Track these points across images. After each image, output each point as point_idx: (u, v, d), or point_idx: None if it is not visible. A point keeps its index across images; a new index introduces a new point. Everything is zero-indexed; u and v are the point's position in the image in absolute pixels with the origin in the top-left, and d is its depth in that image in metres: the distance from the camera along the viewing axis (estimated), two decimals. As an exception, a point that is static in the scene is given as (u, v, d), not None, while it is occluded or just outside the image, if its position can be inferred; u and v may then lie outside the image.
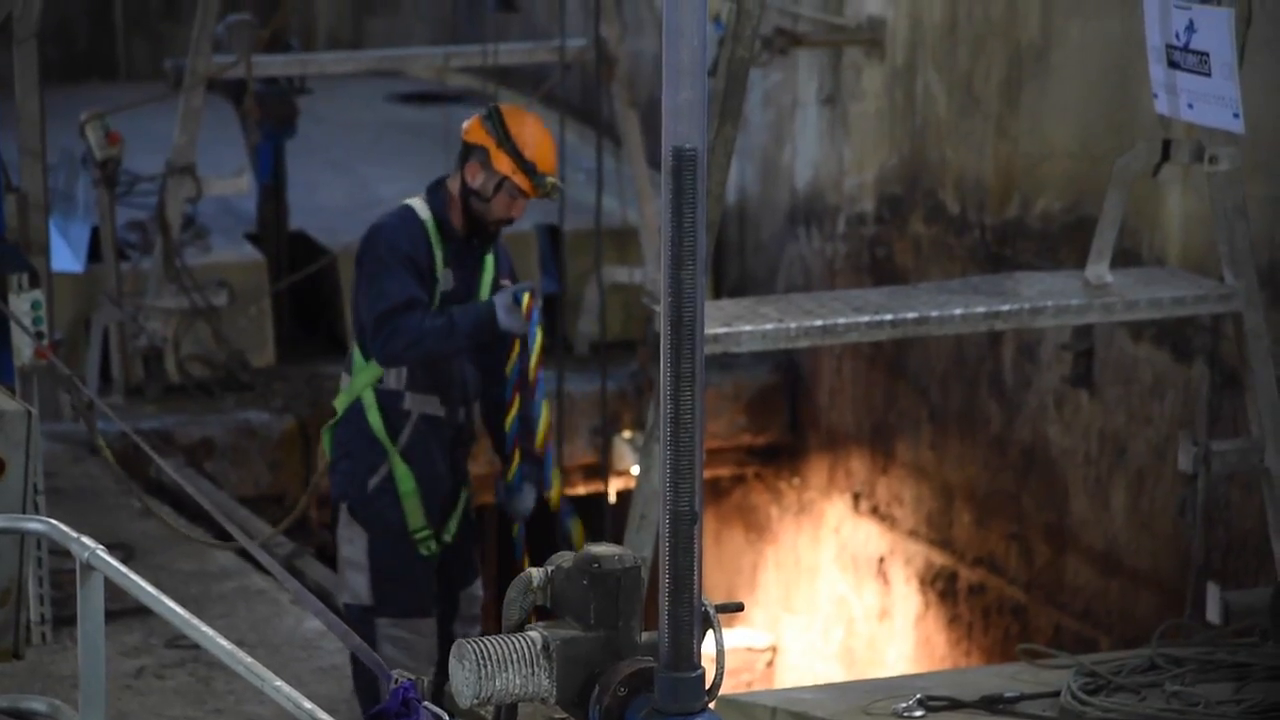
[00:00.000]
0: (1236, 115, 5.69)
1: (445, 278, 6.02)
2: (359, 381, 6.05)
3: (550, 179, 6.02)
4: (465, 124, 6.08)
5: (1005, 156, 8.71)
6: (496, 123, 5.99)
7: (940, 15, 9.00)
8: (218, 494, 8.42)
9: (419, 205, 6.05)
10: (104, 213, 9.08)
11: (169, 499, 8.11)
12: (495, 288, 6.14)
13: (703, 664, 2.89)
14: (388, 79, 13.04)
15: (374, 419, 6.01)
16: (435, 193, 6.07)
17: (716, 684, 2.89)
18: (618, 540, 5.24)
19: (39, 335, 6.40)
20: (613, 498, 9.81)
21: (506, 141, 5.96)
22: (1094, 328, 7.63)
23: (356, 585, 6.08)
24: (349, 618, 6.11)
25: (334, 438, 6.12)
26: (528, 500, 6.25)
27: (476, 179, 5.99)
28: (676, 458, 2.83)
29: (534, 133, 6.02)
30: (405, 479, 6.00)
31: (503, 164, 5.96)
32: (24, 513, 5.02)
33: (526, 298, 5.96)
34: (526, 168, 5.97)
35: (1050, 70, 8.38)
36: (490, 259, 6.17)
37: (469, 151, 6.02)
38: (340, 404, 6.10)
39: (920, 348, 9.23)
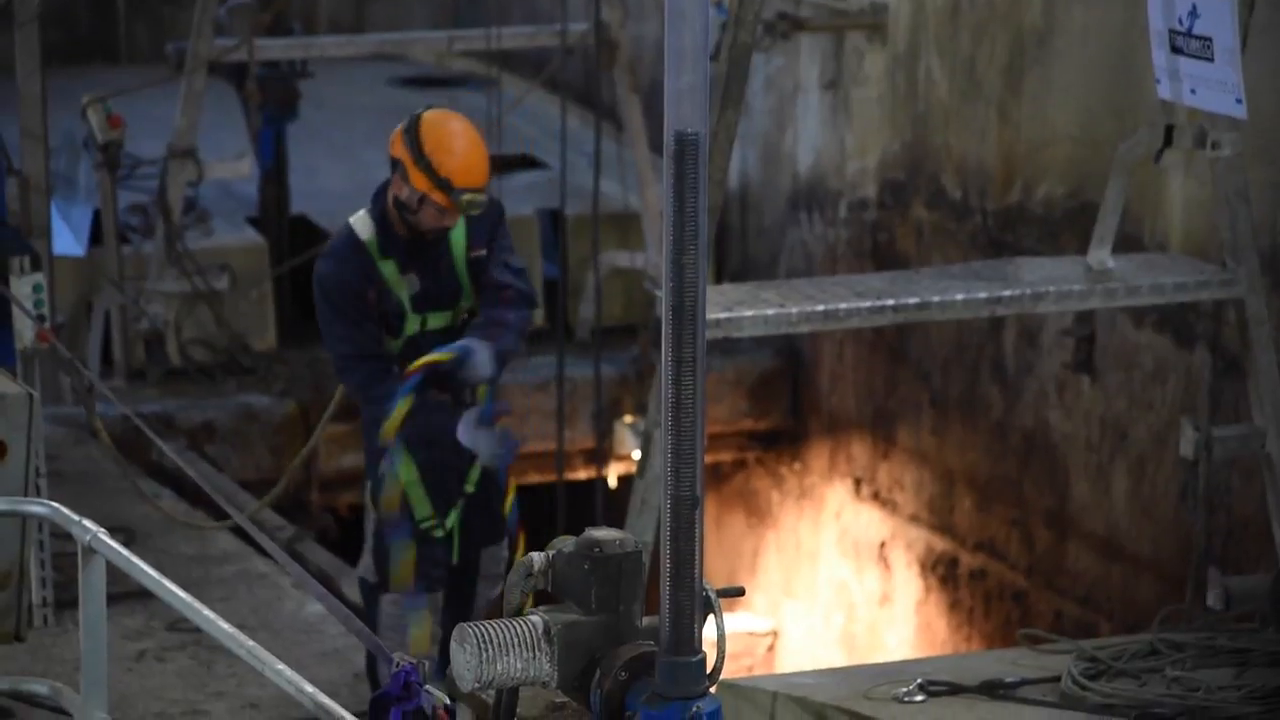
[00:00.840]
0: (1239, 100, 5.68)
1: (409, 283, 5.90)
2: None
3: (467, 196, 5.80)
4: (391, 136, 5.90)
5: (1007, 141, 8.70)
6: (413, 137, 5.82)
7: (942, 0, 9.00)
8: (219, 477, 8.43)
9: (362, 223, 5.94)
10: (105, 196, 9.08)
11: (170, 483, 8.12)
12: (469, 260, 5.97)
13: (704, 649, 2.89)
14: (390, 63, 13.03)
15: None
16: (376, 203, 5.95)
17: (717, 669, 2.89)
18: (618, 525, 5.24)
19: (40, 318, 6.40)
20: (613, 483, 9.82)
21: (421, 159, 5.79)
22: (1095, 313, 7.64)
23: (367, 560, 6.10)
24: (360, 592, 6.15)
25: (362, 415, 6.16)
26: (482, 363, 5.85)
27: (402, 191, 5.86)
28: (678, 442, 2.84)
29: (454, 146, 5.82)
30: (407, 469, 5.94)
31: (419, 181, 5.81)
32: (26, 496, 5.03)
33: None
34: (442, 184, 5.79)
35: (1053, 55, 8.37)
36: (458, 234, 5.98)
37: (393, 164, 5.89)
38: None
39: (922, 333, 9.23)
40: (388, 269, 5.90)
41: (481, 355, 5.82)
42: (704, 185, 2.82)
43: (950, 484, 9.16)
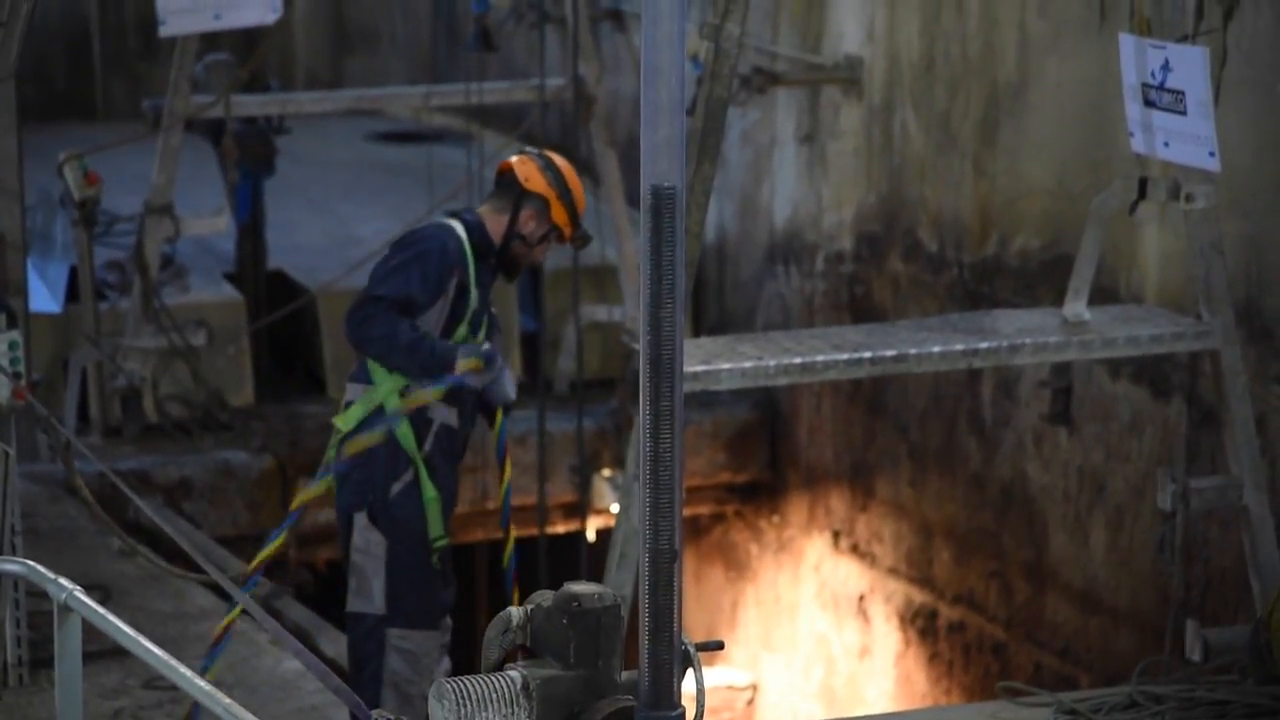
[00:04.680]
0: (1212, 153, 5.72)
1: (476, 297, 6.15)
2: (382, 390, 6.10)
3: (588, 232, 6.34)
4: (522, 171, 6.19)
5: (983, 194, 8.74)
6: (556, 174, 6.19)
7: (918, 54, 9.04)
8: (196, 534, 8.39)
9: (456, 224, 6.18)
10: (82, 253, 9.06)
11: (147, 540, 8.08)
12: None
13: (683, 703, 2.88)
14: (367, 118, 13.06)
15: (401, 427, 6.03)
16: (470, 219, 6.21)
17: (697, 723, 2.88)
18: (597, 579, 5.23)
19: (17, 376, 6.38)
20: (592, 536, 9.80)
21: (566, 195, 6.19)
22: (1072, 365, 7.65)
23: (372, 592, 6.08)
24: (355, 627, 6.12)
25: (343, 450, 6.12)
26: (507, 386, 6.21)
27: (528, 225, 6.19)
28: (656, 495, 2.84)
29: (579, 184, 6.25)
30: (428, 486, 6.07)
31: (560, 216, 6.20)
32: (1, 553, 5.01)
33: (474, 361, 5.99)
34: (576, 221, 6.22)
35: (1027, 109, 8.41)
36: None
37: (526, 198, 6.17)
38: (352, 417, 6.12)
39: (899, 385, 9.24)
40: (472, 273, 6.14)
41: (508, 376, 6.19)
42: (681, 239, 2.83)
43: (929, 536, 9.16)
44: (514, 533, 6.35)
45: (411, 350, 6.00)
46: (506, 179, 6.22)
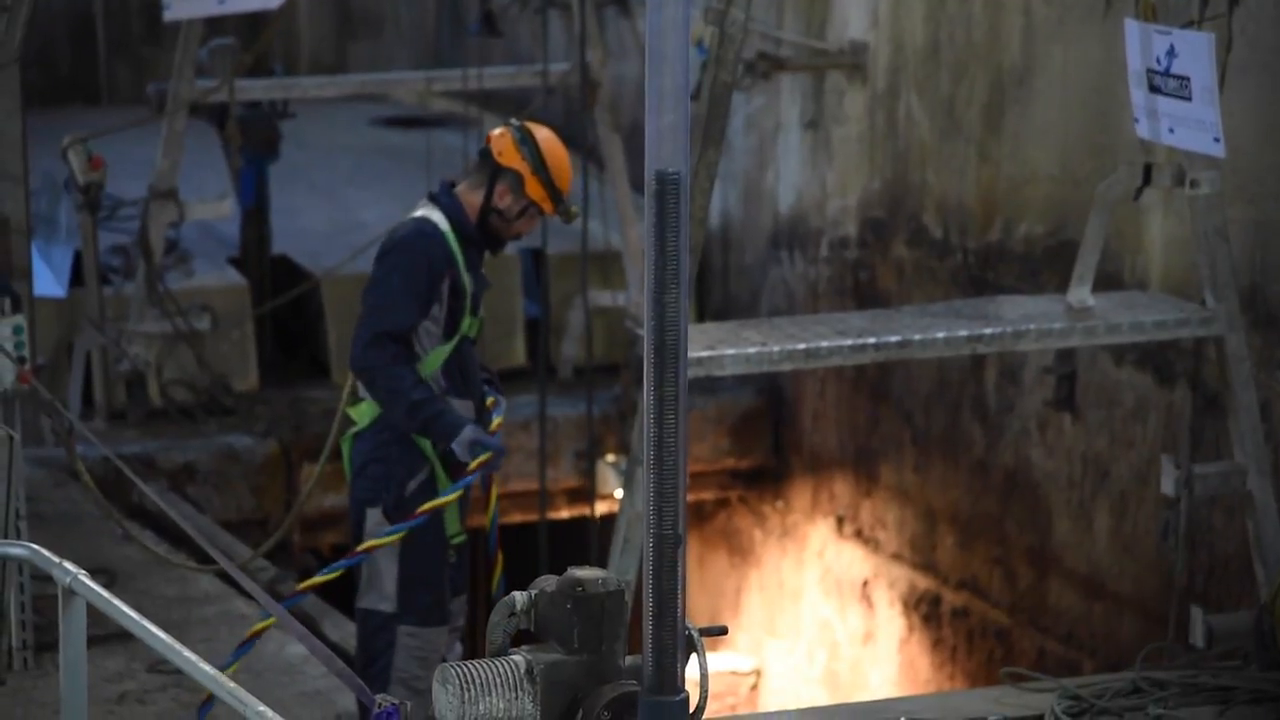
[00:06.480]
0: (1217, 139, 5.71)
1: (469, 281, 6.07)
2: None
3: (574, 206, 6.15)
4: (497, 145, 6.07)
5: (987, 180, 8.73)
6: (531, 148, 6.05)
7: (922, 39, 9.03)
8: (200, 518, 8.40)
9: (436, 216, 6.06)
10: (86, 237, 9.07)
11: (151, 524, 8.09)
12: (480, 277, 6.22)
13: (686, 688, 2.88)
14: (371, 103, 13.05)
15: None
16: (447, 202, 6.08)
17: (700, 708, 2.89)
18: (601, 564, 5.24)
19: (21, 360, 6.38)
20: (597, 521, 9.80)
21: (542, 170, 6.04)
22: (1076, 351, 7.67)
23: (384, 590, 6.04)
24: (366, 622, 6.08)
25: (359, 445, 6.07)
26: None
27: (504, 200, 6.06)
28: (660, 481, 2.84)
29: (562, 159, 6.09)
30: (445, 482, 6.00)
31: (535, 191, 6.05)
32: (6, 538, 5.02)
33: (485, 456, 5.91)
34: (555, 195, 6.07)
35: (1032, 94, 8.41)
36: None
37: (500, 173, 6.05)
38: (365, 411, 6.06)
39: (903, 371, 9.24)
40: (461, 261, 6.05)
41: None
42: (685, 224, 2.83)
43: (932, 522, 9.17)
44: (501, 559, 6.27)
45: (412, 413, 5.88)
46: (484, 152, 6.11)
